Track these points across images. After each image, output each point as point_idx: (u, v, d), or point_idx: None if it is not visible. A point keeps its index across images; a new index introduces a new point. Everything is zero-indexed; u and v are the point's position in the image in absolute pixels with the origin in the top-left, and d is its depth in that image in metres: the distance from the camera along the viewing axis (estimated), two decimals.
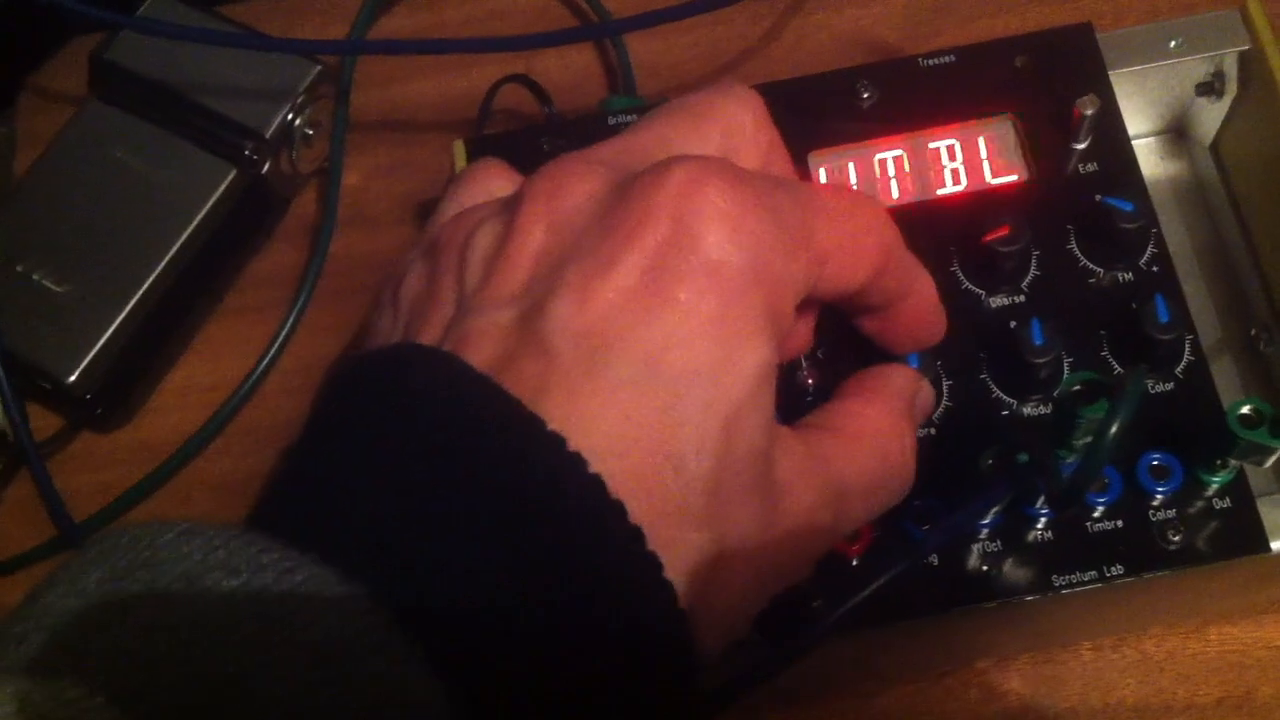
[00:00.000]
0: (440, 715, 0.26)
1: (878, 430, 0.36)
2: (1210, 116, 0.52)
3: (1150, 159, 0.54)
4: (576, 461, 0.28)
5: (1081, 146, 0.47)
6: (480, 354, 0.30)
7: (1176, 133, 0.54)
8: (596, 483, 0.28)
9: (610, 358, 0.29)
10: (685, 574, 0.29)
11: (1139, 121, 0.53)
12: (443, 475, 0.28)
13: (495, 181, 0.37)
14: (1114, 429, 0.34)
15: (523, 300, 0.31)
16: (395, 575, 0.27)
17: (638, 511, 0.28)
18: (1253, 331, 0.50)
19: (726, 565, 0.31)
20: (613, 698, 0.29)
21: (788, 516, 0.33)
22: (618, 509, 0.28)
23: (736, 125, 0.36)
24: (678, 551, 0.29)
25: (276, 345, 0.57)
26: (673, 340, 0.30)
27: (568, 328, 0.30)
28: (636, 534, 0.28)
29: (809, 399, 0.43)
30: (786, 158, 0.38)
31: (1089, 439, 0.37)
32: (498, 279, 0.32)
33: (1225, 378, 0.50)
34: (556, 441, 0.28)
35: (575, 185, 0.32)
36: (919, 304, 0.38)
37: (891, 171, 0.48)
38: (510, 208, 0.33)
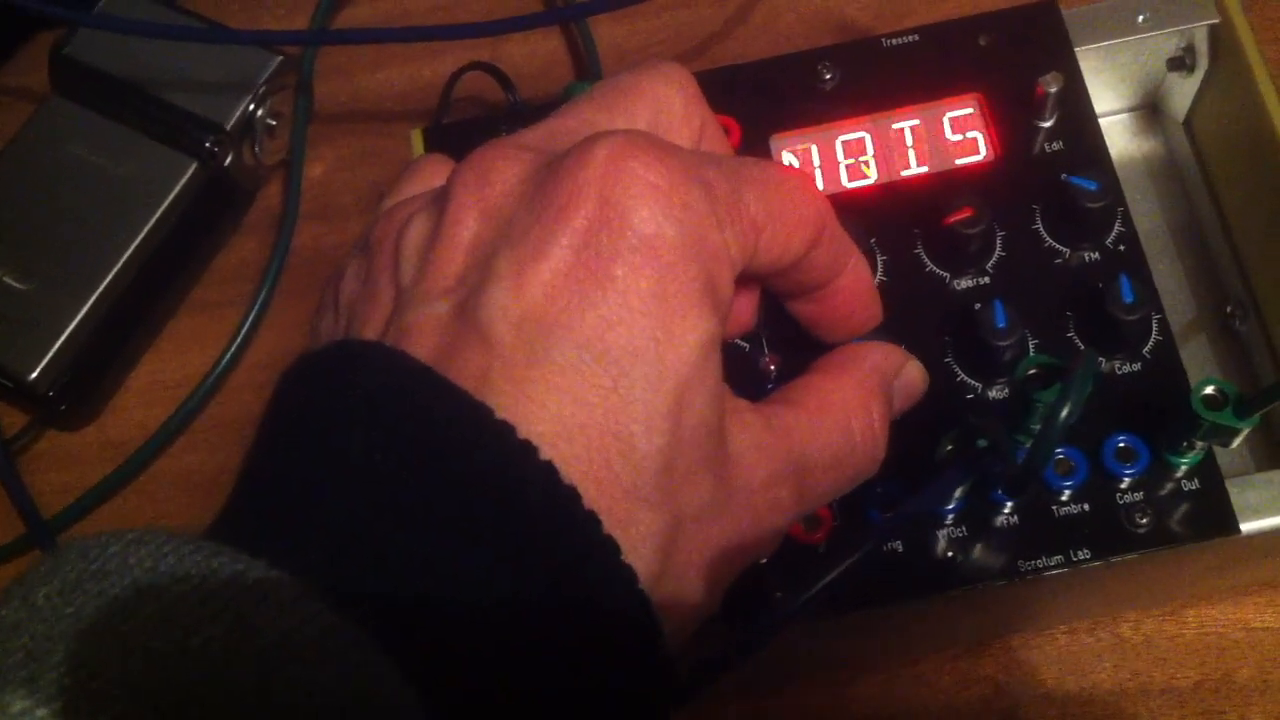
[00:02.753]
0: (406, 711, 0.26)
1: (842, 405, 0.36)
2: (1182, 92, 0.51)
3: (1123, 136, 0.53)
4: (527, 449, 0.28)
5: (1047, 125, 0.46)
6: (421, 347, 0.30)
7: (1150, 109, 0.53)
8: (548, 469, 0.28)
9: (551, 342, 0.29)
10: (644, 555, 0.29)
11: (1110, 98, 0.52)
12: (392, 470, 0.28)
13: (436, 177, 0.36)
14: (1064, 413, 0.33)
15: (459, 291, 0.31)
16: (351, 573, 0.27)
17: (591, 495, 0.28)
18: (1228, 309, 0.49)
19: (686, 543, 0.30)
20: (580, 684, 0.28)
21: (744, 491, 0.32)
22: (571, 494, 0.28)
23: (666, 104, 0.35)
24: (634, 533, 0.29)
25: (239, 340, 0.56)
26: (612, 320, 0.29)
27: (506, 315, 0.29)
28: (592, 519, 0.28)
29: (770, 386, 0.43)
30: (721, 137, 0.37)
31: None
32: (433, 271, 0.31)
33: (1199, 357, 0.49)
34: (505, 430, 0.28)
35: (502, 171, 0.32)
36: (853, 283, 0.38)
37: (855, 154, 0.47)
38: (440, 199, 0.33)
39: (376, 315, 0.33)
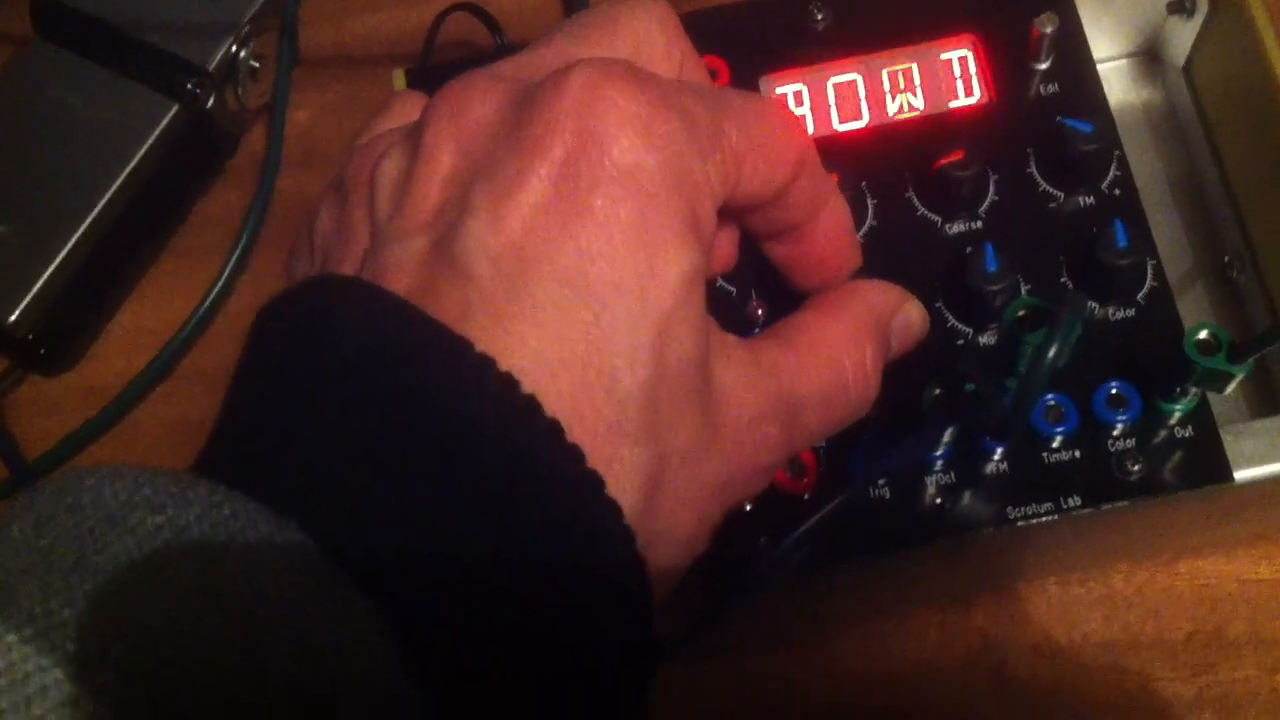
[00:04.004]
0: (381, 644, 0.25)
1: (833, 343, 0.35)
2: (1182, 37, 0.50)
3: (1122, 83, 0.52)
4: (509, 382, 0.27)
5: (1042, 67, 0.45)
6: (399, 283, 0.29)
7: (1149, 55, 0.52)
8: (531, 403, 0.27)
9: (531, 276, 0.28)
10: (628, 491, 0.28)
11: (1108, 43, 0.51)
12: (370, 405, 0.27)
13: (411, 112, 0.35)
14: (1050, 354, 0.32)
15: (436, 226, 0.30)
16: (327, 508, 0.27)
17: (574, 431, 0.27)
18: (1225, 259, 0.48)
19: (671, 480, 0.30)
20: (564, 621, 0.28)
21: (732, 429, 0.32)
22: (554, 428, 0.27)
23: (646, 37, 0.34)
24: (619, 469, 0.28)
25: (219, 286, 0.55)
26: (592, 253, 0.29)
27: (484, 250, 0.29)
28: (575, 453, 0.27)
29: (757, 331, 0.42)
30: (703, 72, 0.36)
31: None
32: (409, 207, 0.31)
33: (1196, 308, 0.48)
34: (486, 363, 0.27)
35: (477, 103, 0.31)
36: (832, 223, 0.37)
37: (846, 96, 0.46)
38: (414, 134, 0.32)
39: (352, 253, 0.32)
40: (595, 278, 0.29)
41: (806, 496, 0.40)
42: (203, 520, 0.25)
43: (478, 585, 0.27)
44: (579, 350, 0.28)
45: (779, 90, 0.46)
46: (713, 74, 0.46)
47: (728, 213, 0.33)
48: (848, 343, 0.35)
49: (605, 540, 0.28)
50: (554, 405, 0.27)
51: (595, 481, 0.28)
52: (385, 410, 0.27)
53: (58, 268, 0.53)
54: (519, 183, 0.29)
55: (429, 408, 0.27)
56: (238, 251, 0.56)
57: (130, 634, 0.23)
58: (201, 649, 0.23)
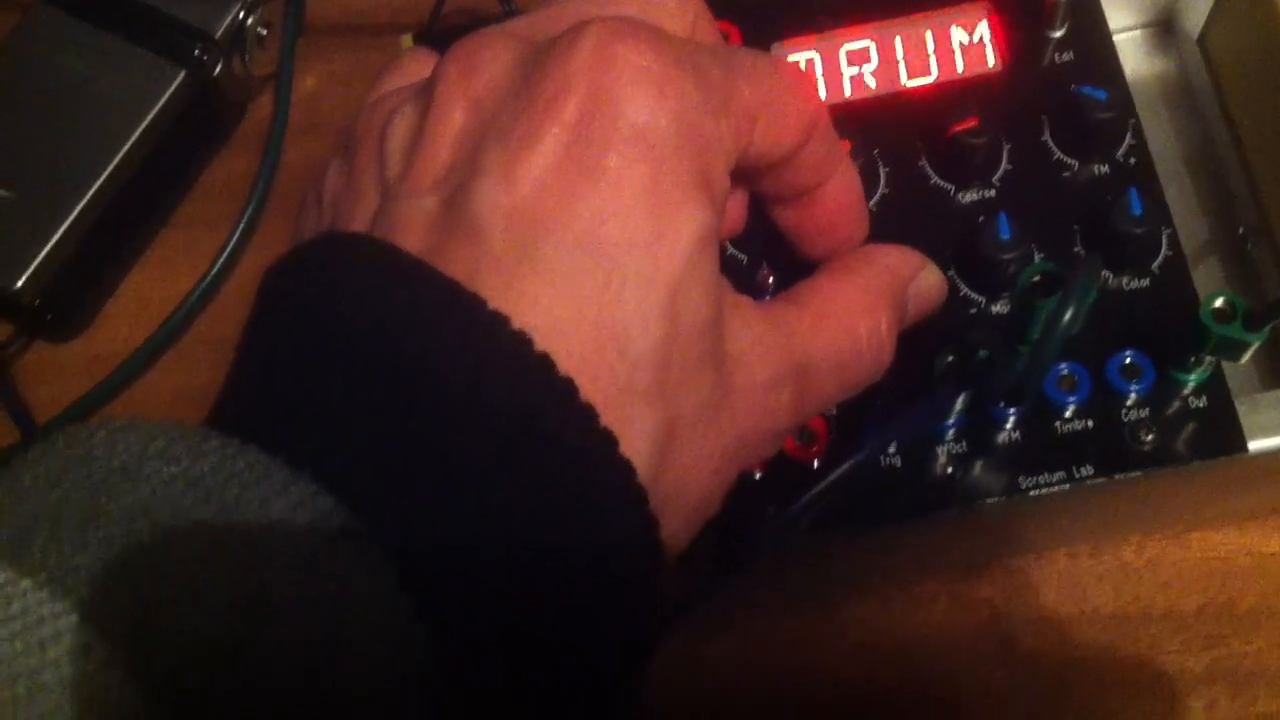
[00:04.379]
0: (392, 593, 0.25)
1: (847, 307, 0.35)
2: (1197, 7, 0.50)
3: (1137, 54, 0.52)
4: (521, 341, 0.27)
5: (1057, 35, 0.45)
6: (408, 242, 0.29)
7: (1164, 26, 0.52)
8: (544, 362, 0.27)
9: (542, 236, 0.28)
10: (641, 452, 0.28)
11: (1123, 14, 0.50)
12: (381, 362, 0.27)
13: (421, 70, 0.35)
14: (1065, 318, 0.32)
15: (446, 185, 0.30)
16: (338, 462, 0.26)
17: (586, 391, 0.27)
18: (1240, 230, 0.48)
19: (683, 441, 0.30)
20: (575, 582, 0.27)
21: (744, 390, 0.31)
22: (568, 387, 0.27)
23: None
24: (631, 430, 0.28)
25: (226, 254, 0.55)
26: (605, 213, 0.28)
27: (496, 209, 0.28)
28: (589, 412, 0.27)
29: (767, 299, 0.42)
30: (715, 31, 0.36)
31: None
32: (419, 165, 0.30)
33: (1210, 280, 0.48)
34: (498, 321, 0.27)
35: (489, 61, 0.31)
36: (841, 189, 0.36)
37: (859, 63, 0.46)
38: (425, 91, 0.31)
39: (360, 211, 0.31)
40: (607, 238, 0.28)
41: (816, 464, 0.40)
42: (217, 472, 0.25)
43: (488, 538, 0.27)
44: (590, 311, 0.28)
45: (791, 57, 0.45)
46: (724, 39, 0.45)
47: (739, 175, 0.33)
48: (863, 307, 0.35)
49: (617, 499, 0.28)
50: (566, 365, 0.27)
51: (608, 441, 0.27)
52: (396, 367, 0.27)
53: (64, 234, 0.52)
54: (531, 142, 0.29)
55: (440, 365, 0.27)
56: (244, 220, 0.56)
57: (144, 583, 0.23)
58: (216, 599, 0.23)
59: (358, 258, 0.29)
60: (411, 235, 0.29)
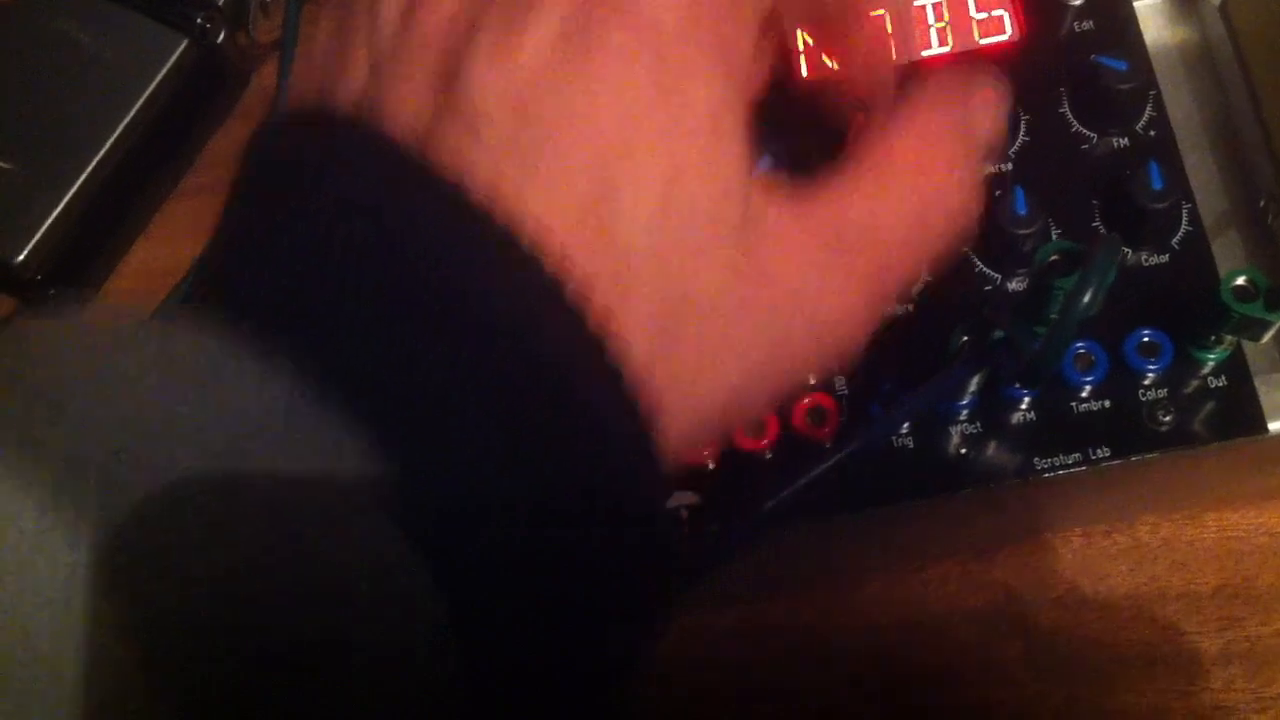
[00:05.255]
0: (366, 478, 0.25)
1: (914, 153, 0.30)
2: None
3: (1158, 22, 0.50)
4: (512, 218, 0.26)
5: (1077, 3, 0.44)
6: (397, 122, 0.28)
7: None
8: (533, 248, 0.26)
9: (536, 118, 0.27)
10: (635, 344, 0.27)
11: None
12: (366, 247, 0.26)
13: None
14: (1084, 300, 0.31)
15: (440, 62, 0.28)
16: (314, 341, 0.25)
17: (581, 271, 0.26)
18: (1261, 203, 0.47)
19: (693, 330, 0.28)
20: (561, 474, 0.26)
21: (782, 279, 0.29)
22: (560, 265, 0.26)
23: None
24: (624, 317, 0.26)
25: None
26: (606, 92, 0.27)
27: (488, 93, 0.27)
28: (579, 299, 0.26)
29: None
30: None
31: None
32: (411, 41, 0.29)
33: (1230, 253, 0.47)
34: (486, 204, 0.26)
35: None
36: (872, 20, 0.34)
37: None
38: None
39: (351, 83, 0.30)
40: (607, 119, 0.27)
41: (828, 446, 0.39)
42: (194, 354, 0.25)
43: (468, 425, 0.26)
44: (587, 191, 0.27)
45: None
46: None
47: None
48: (932, 148, 0.31)
49: (608, 385, 0.26)
50: (557, 251, 0.26)
51: (598, 334, 0.26)
52: (379, 250, 0.26)
53: (66, 206, 0.52)
54: (530, 18, 0.27)
55: (425, 251, 0.26)
56: None
57: (114, 446, 0.23)
58: (186, 460, 0.23)
59: (345, 143, 0.28)
60: (400, 115, 0.28)
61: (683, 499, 0.40)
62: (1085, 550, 0.48)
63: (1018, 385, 0.38)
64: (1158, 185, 0.40)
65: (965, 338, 0.37)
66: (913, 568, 0.48)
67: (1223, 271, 0.41)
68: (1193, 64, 0.50)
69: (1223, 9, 0.49)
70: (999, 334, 0.36)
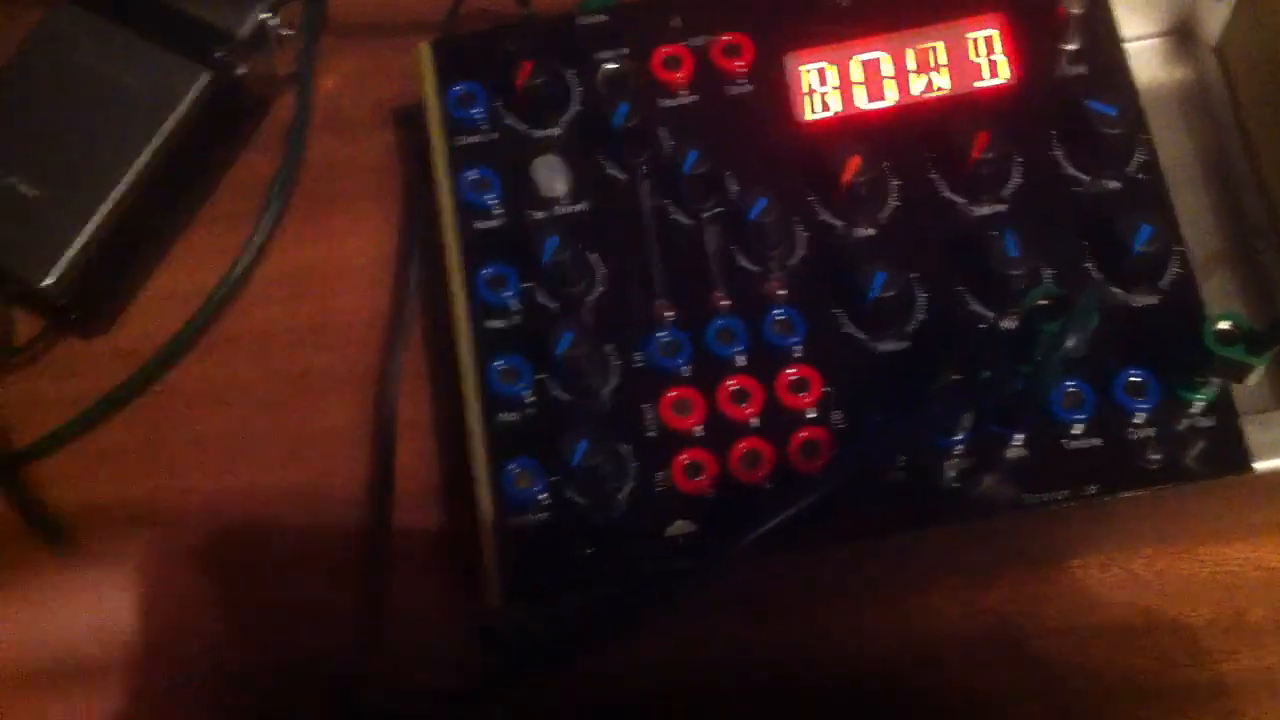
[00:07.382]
0: None
1: None
2: (1215, 15, 0.49)
3: (1153, 63, 0.51)
4: None
5: (1070, 48, 0.45)
6: None
7: (1180, 34, 0.51)
8: None
9: None
10: None
11: (1139, 22, 0.50)
12: None
13: None
14: (1066, 345, 0.32)
15: None
16: None
17: None
18: (1253, 241, 0.48)
19: None
20: None
21: None
22: None
23: None
24: None
25: (251, 253, 0.56)
26: None
27: None
28: None
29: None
30: None
31: None
32: None
33: (1222, 290, 0.48)
34: None
35: None
36: None
37: (872, 74, 0.46)
38: None
39: None
40: None
41: (816, 479, 0.40)
42: None
43: None
44: None
45: (803, 68, 0.46)
46: (737, 50, 0.46)
47: None
48: None
49: None
50: None
51: None
52: None
53: (92, 233, 0.53)
54: None
55: None
56: (268, 217, 0.57)
57: None
58: None
59: None
60: None
61: (681, 528, 0.41)
62: (1082, 580, 0.49)
63: (999, 424, 0.39)
64: (1146, 232, 0.41)
65: (953, 377, 0.38)
66: (912, 592, 0.49)
67: (1213, 311, 0.42)
68: (1187, 103, 0.51)
69: (1218, 50, 0.50)
70: (986, 375, 0.37)
